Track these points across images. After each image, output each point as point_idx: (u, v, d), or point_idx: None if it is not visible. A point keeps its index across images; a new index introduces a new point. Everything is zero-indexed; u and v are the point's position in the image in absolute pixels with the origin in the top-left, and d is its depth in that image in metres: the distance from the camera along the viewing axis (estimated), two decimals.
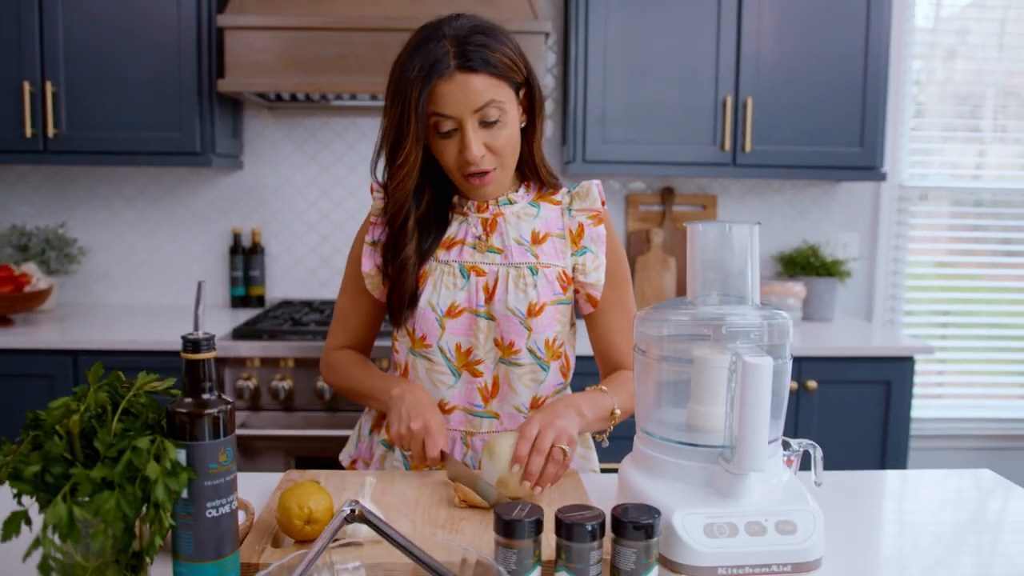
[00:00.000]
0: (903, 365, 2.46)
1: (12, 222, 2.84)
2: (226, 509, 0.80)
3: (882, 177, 2.67)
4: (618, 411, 1.26)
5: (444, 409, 1.28)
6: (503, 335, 1.25)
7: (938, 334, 3.15)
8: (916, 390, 2.65)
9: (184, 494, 0.77)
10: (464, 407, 1.29)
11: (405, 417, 1.18)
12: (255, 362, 2.31)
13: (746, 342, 0.92)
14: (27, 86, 2.46)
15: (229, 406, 0.81)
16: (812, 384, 2.42)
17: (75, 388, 0.82)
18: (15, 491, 0.76)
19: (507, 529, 0.82)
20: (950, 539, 1.08)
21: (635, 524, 0.82)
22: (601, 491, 1.16)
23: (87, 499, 0.73)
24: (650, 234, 2.94)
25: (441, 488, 1.14)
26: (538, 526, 0.83)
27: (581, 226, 1.30)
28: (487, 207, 1.29)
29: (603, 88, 2.59)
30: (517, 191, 1.31)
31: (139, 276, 2.93)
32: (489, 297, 1.25)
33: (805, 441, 1.09)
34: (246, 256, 2.86)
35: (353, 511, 0.81)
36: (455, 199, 1.31)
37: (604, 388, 1.28)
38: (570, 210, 1.31)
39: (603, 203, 1.31)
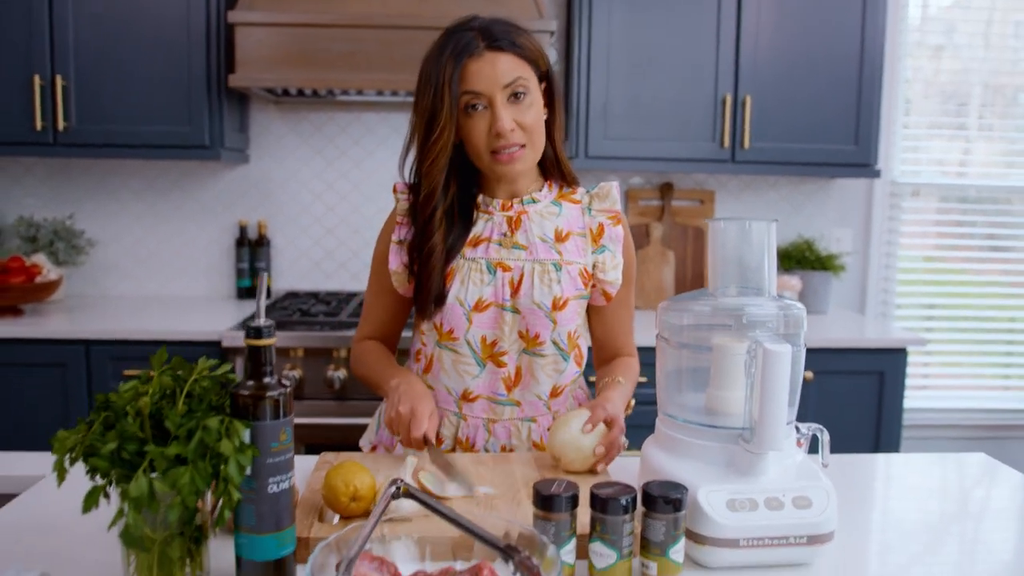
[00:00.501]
0: (896, 357, 2.54)
1: (20, 214, 2.87)
2: (285, 485, 0.86)
3: (876, 174, 2.75)
4: (632, 402, 1.33)
5: (468, 398, 1.35)
6: (528, 328, 1.31)
7: (925, 327, 3.24)
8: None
9: (248, 471, 0.83)
10: (488, 395, 1.35)
11: (396, 402, 1.25)
12: None
13: (764, 331, 0.99)
14: (37, 79, 2.49)
15: (288, 389, 0.87)
16: (808, 375, 2.49)
17: (138, 373, 0.88)
18: (88, 468, 0.82)
19: (545, 503, 0.89)
20: (952, 514, 1.16)
21: (665, 499, 0.89)
22: (617, 475, 1.22)
23: (161, 475, 0.79)
24: (649, 228, 3.00)
25: (470, 467, 1.20)
26: (574, 500, 0.89)
27: (601, 226, 1.36)
28: (511, 205, 1.35)
29: (605, 85, 2.65)
30: (540, 190, 1.37)
31: (147, 268, 2.97)
32: (515, 291, 1.31)
33: (814, 425, 1.15)
34: (252, 248, 2.91)
35: (398, 488, 0.87)
36: (480, 198, 1.36)
37: (621, 380, 1.35)
38: (590, 210, 1.37)
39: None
